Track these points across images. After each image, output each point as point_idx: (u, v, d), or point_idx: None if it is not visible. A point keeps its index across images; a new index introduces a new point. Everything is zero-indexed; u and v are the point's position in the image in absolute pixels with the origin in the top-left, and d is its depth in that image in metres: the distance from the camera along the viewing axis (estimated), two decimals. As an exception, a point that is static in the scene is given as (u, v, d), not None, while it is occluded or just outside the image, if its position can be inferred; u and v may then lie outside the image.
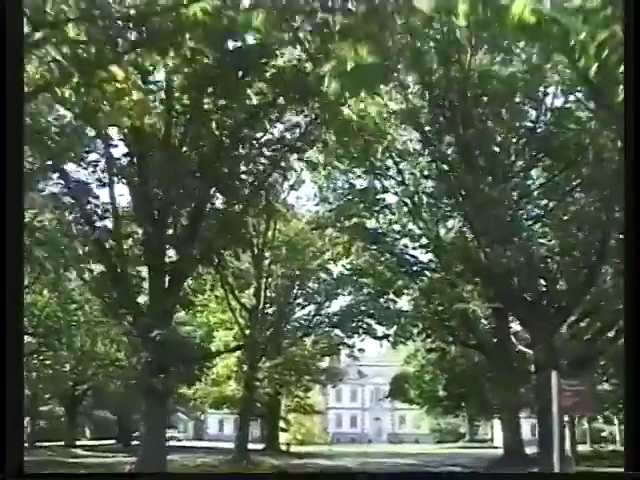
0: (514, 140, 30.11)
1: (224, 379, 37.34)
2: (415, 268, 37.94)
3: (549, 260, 23.90)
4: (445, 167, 29.47)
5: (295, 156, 24.49)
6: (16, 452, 5.48)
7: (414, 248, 37.18)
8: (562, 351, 22.05)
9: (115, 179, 23.92)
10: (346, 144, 30.50)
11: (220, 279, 35.10)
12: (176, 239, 23.75)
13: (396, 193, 35.01)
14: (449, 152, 29.60)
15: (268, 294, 38.61)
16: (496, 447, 70.89)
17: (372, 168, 34.26)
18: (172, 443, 65.63)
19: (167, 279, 23.41)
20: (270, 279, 38.42)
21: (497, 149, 28.90)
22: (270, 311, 39.12)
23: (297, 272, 40.54)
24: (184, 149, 24.21)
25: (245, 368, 35.84)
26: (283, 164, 24.01)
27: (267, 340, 36.04)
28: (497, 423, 74.81)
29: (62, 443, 53.86)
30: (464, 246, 26.63)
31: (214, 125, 24.54)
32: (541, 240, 26.29)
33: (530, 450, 35.04)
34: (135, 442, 55.58)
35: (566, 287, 24.98)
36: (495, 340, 33.92)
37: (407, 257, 37.72)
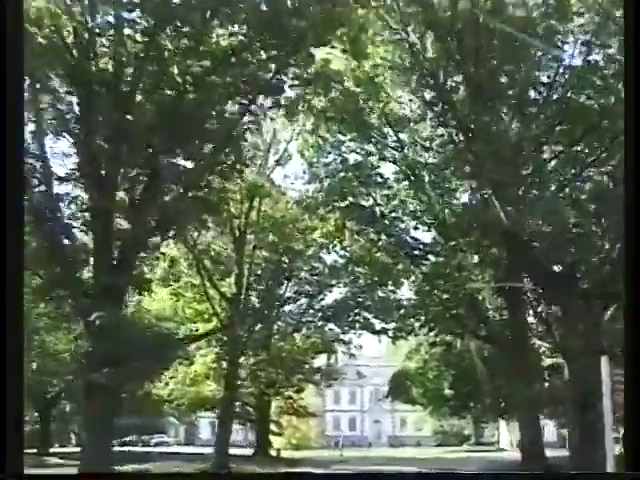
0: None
1: (202, 378, 33.01)
2: (416, 252, 33.78)
3: (582, 223, 19.63)
4: (452, 125, 25.39)
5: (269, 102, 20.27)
6: (16, 452, 5.50)
7: (415, 228, 33.01)
8: (604, 335, 17.94)
9: (54, 133, 19.82)
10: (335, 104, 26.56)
11: (196, 264, 30.98)
12: (128, 205, 19.67)
13: (395, 162, 30.80)
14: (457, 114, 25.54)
15: (252, 283, 34.31)
16: (503, 449, 67.00)
17: (366, 136, 30.17)
18: (161, 449, 62.25)
19: (116, 253, 19.35)
20: (254, 266, 34.06)
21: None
22: (254, 302, 34.82)
23: (285, 259, 36.39)
24: (138, 98, 20.16)
25: (225, 365, 31.63)
26: (254, 108, 19.74)
27: (250, 333, 31.87)
28: (503, 424, 70.80)
29: (34, 451, 49.43)
30: (479, 210, 22.52)
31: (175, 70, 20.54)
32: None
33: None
34: (116, 448, 51.73)
35: (603, 258, 20.71)
36: (510, 330, 29.56)
37: (408, 239, 33.55)
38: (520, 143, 22.81)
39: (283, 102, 20.63)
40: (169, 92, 20.17)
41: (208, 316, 32.69)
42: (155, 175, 19.72)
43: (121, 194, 19.80)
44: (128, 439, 69.71)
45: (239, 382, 32.22)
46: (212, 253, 31.53)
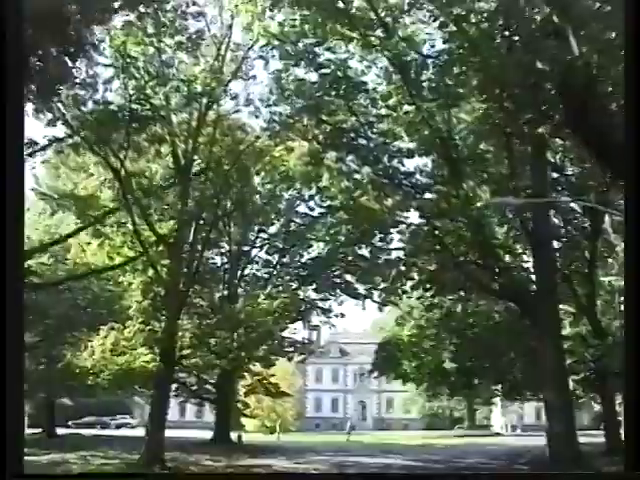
0: None
1: (132, 345, 25.37)
2: (410, 188, 26.50)
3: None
4: None
5: None
6: (16, 452, 5.48)
7: (409, 154, 25.57)
8: None
9: None
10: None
11: (123, 196, 23.54)
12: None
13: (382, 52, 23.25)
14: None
15: (200, 225, 26.78)
16: (499, 434, 60.79)
17: (344, 25, 22.66)
18: (122, 432, 55.33)
19: None
20: (205, 204, 26.39)
21: None
22: (201, 248, 27.10)
23: (246, 200, 29.10)
24: None
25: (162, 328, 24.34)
26: None
27: (190, 284, 24.56)
28: (497, 406, 64.14)
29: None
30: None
31: None
32: None
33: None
34: (61, 432, 44.96)
35: None
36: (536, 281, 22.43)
37: (401, 172, 26.13)
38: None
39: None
40: None
41: (141, 266, 25.33)
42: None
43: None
44: (85, 420, 63.18)
45: (180, 351, 24.97)
46: (145, 182, 24.10)
